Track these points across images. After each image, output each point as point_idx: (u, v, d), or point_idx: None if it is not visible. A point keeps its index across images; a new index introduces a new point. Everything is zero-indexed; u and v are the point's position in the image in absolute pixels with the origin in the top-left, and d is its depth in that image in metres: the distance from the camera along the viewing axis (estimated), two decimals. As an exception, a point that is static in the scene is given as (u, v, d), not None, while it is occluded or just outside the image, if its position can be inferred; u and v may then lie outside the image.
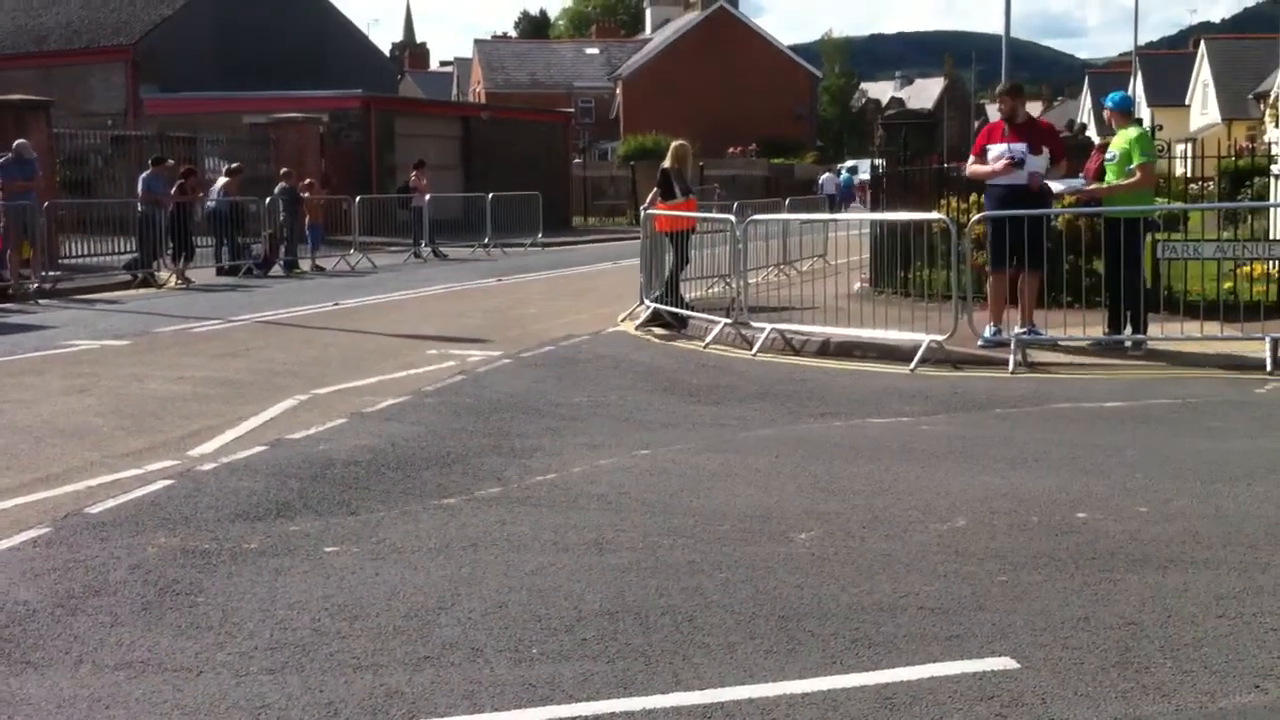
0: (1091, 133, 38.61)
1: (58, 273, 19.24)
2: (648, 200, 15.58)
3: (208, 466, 7.30)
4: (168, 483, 6.91)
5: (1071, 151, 13.22)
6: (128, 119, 35.58)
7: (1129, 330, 11.42)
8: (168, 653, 4.48)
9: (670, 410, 9.25)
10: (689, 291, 14.60)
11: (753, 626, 4.67)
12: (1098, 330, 11.55)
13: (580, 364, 11.47)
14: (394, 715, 3.96)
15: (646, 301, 14.48)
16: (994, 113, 17.75)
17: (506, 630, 4.66)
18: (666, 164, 15.10)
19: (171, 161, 22.94)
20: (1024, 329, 11.28)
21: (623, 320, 14.68)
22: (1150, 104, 56.47)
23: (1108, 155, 11.69)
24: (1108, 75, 73.19)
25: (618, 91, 69.02)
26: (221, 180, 23.49)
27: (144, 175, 21.32)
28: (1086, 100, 72.36)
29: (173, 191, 21.37)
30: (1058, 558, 5.45)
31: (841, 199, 42.54)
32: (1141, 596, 4.95)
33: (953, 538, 5.78)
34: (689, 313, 13.79)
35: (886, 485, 6.79)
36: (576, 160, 48.28)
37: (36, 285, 18.11)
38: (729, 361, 11.71)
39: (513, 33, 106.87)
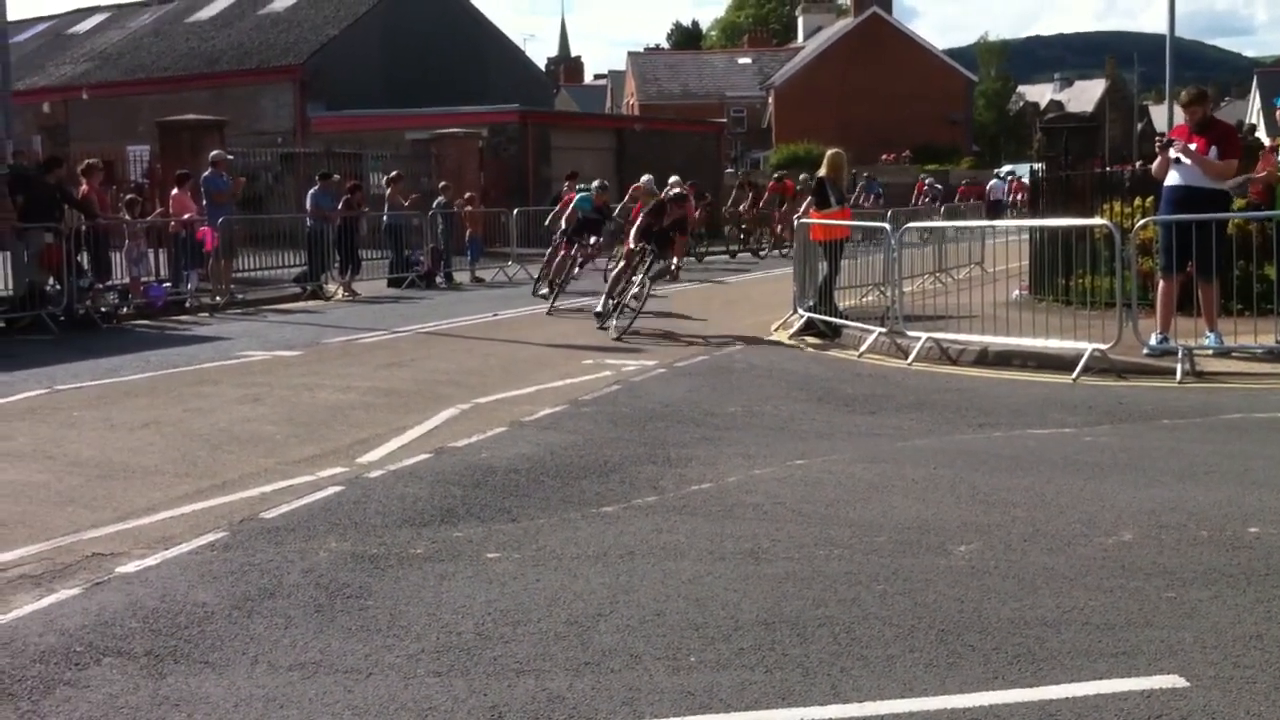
0: (1261, 134, 37.21)
1: (232, 286, 19.98)
2: (802, 209, 15.55)
3: (375, 473, 7.52)
4: (338, 489, 7.14)
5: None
6: (296, 137, 36.81)
7: (1304, 338, 11.00)
8: (339, 654, 4.63)
9: (825, 420, 9.21)
10: (843, 300, 14.52)
11: (912, 639, 4.64)
12: (1269, 338, 11.14)
13: (734, 373, 11.49)
14: (556, 719, 4.04)
15: (800, 310, 14.44)
16: (1158, 114, 17.20)
17: (664, 638, 4.72)
18: (822, 173, 15.06)
19: (337, 177, 23.64)
20: (1210, 335, 10.98)
21: (776, 329, 14.66)
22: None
23: (1281, 157, 11.30)
24: (1277, 74, 70.48)
25: (770, 100, 68.84)
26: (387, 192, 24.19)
27: (312, 191, 22.03)
28: (1255, 100, 69.81)
29: (339, 207, 22.03)
30: (1228, 573, 5.29)
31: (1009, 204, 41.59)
32: (1319, 615, 4.78)
33: (1118, 552, 5.65)
34: (843, 322, 13.71)
35: (1048, 498, 6.67)
36: (729, 170, 48.28)
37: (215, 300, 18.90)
38: (884, 371, 11.61)
39: (665, 44, 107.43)
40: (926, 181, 40.15)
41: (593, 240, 18.53)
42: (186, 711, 4.17)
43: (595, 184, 19.45)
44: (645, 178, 19.80)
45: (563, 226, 19.08)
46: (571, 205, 19.43)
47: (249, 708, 4.19)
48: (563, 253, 18.80)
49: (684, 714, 4.06)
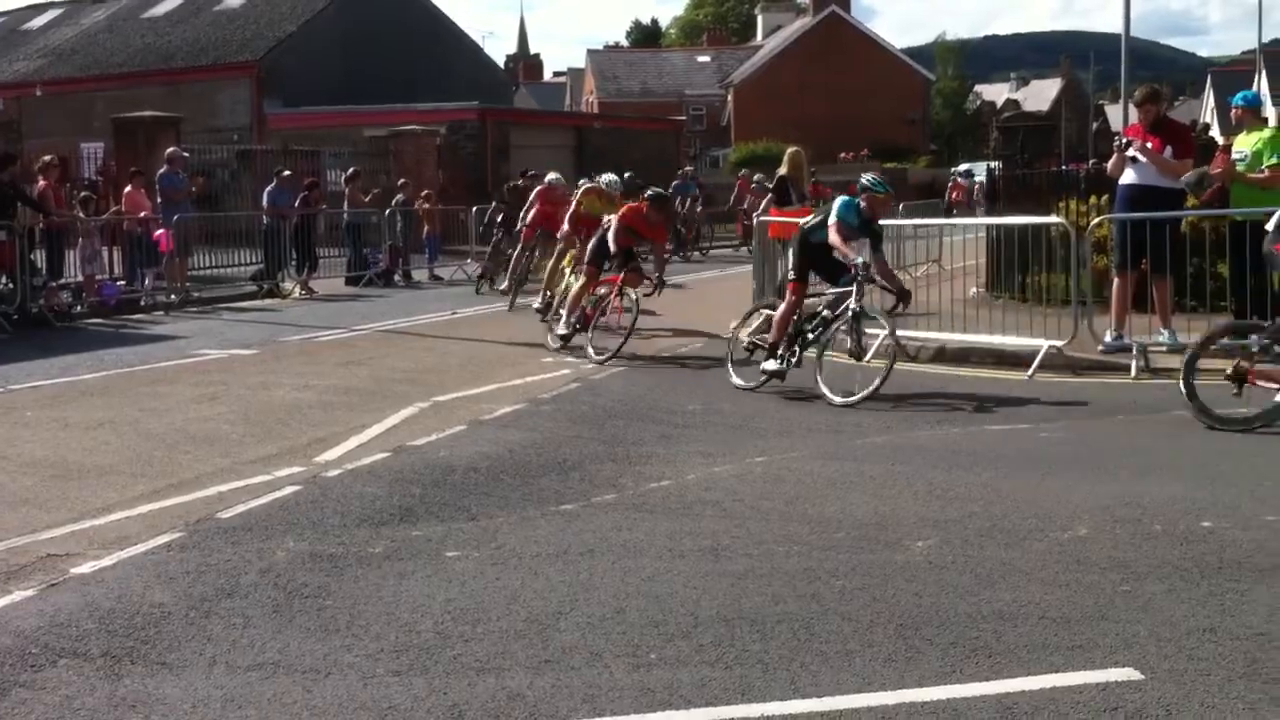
0: (1215, 133, 37.60)
1: (187, 284, 19.81)
2: (761, 207, 15.56)
3: (333, 472, 7.48)
4: (295, 488, 7.10)
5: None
6: (253, 133, 36.51)
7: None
8: (297, 654, 4.61)
9: (784, 417, 9.24)
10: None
11: (870, 634, 4.67)
12: (1223, 335, 11.25)
13: (692, 371, 11.50)
14: (516, 718, 4.04)
15: (760, 308, 14.46)
16: (1113, 114, 17.35)
17: (624, 635, 4.72)
18: (783, 171, 15.07)
19: (288, 173, 23.34)
20: (1163, 333, 11.06)
21: (735, 327, 14.65)
22: (1276, 103, 54.83)
23: (1236, 154, 11.41)
24: (1231, 74, 71.25)
25: (729, 99, 68.94)
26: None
27: (268, 189, 21.86)
28: (1209, 99, 70.56)
29: (296, 204, 21.86)
30: (1182, 567, 5.35)
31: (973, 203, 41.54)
32: (1270, 607, 4.84)
33: (1074, 546, 5.70)
34: (803, 319, 13.71)
35: (1005, 493, 6.72)
36: (688, 168, 48.38)
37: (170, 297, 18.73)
38: (843, 368, 11.62)
39: (625, 42, 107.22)
40: (754, 180, 37.82)
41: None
42: (143, 713, 4.14)
43: (867, 177, 10.95)
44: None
45: (826, 254, 10.56)
46: (834, 215, 10.32)
47: (206, 708, 4.16)
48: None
49: (644, 711, 4.07)
